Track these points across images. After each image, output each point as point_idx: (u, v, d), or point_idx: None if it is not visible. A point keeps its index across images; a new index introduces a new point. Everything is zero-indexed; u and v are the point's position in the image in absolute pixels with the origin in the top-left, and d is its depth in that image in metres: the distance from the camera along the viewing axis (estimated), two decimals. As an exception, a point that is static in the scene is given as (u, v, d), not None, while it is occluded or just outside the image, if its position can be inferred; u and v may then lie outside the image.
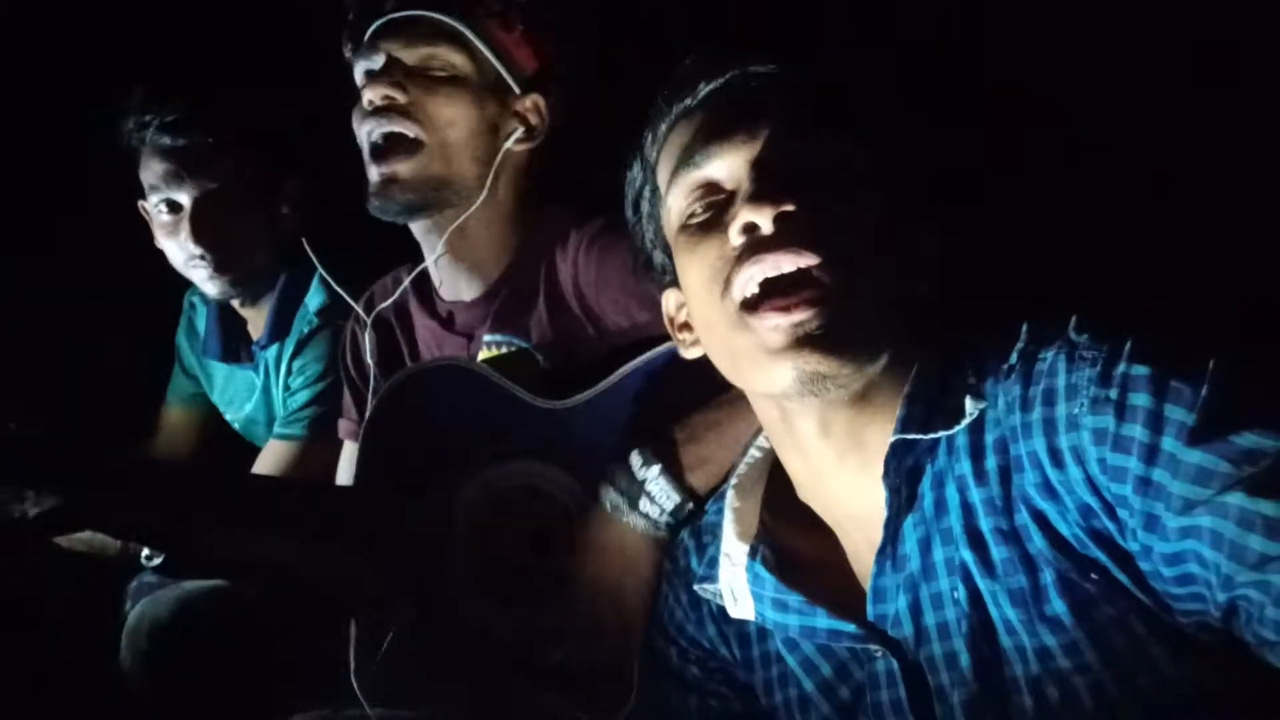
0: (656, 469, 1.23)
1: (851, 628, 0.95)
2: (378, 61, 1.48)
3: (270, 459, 1.83)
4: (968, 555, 0.88)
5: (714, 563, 1.06)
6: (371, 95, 1.45)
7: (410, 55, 1.47)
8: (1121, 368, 0.81)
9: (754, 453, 1.10)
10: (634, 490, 1.23)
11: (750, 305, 0.90)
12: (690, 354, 1.07)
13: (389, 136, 1.45)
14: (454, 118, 1.46)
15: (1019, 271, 1.44)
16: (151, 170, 1.82)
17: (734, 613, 1.04)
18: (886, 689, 0.95)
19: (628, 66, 1.72)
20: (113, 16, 2.00)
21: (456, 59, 1.47)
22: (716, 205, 0.95)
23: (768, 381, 0.91)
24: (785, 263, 0.88)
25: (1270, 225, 1.33)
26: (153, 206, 1.84)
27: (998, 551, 0.87)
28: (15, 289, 2.04)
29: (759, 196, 0.90)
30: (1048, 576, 0.84)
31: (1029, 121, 1.49)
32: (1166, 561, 0.78)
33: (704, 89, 0.99)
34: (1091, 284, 1.42)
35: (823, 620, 0.96)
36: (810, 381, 0.88)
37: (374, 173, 1.47)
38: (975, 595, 0.88)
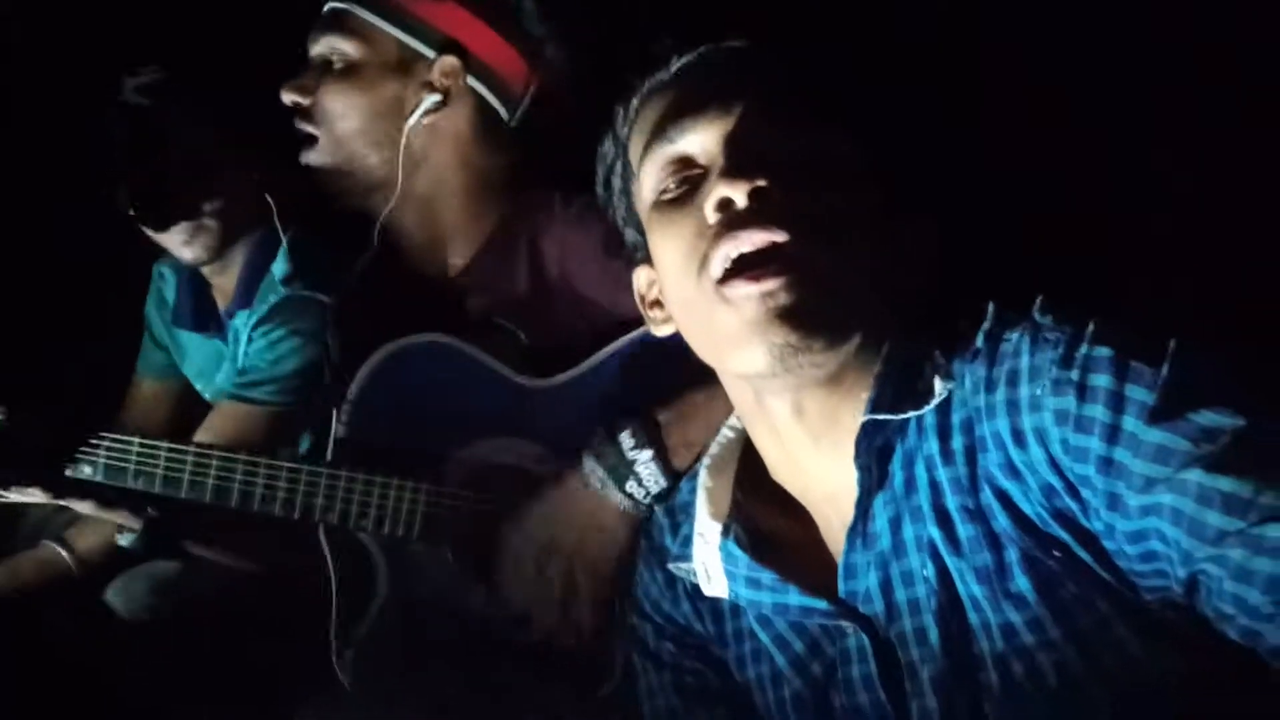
0: (649, 454, 1.24)
1: (823, 604, 0.96)
2: (309, 46, 1.51)
3: (221, 421, 1.80)
4: (935, 533, 0.90)
5: (688, 541, 1.07)
6: (284, 99, 1.49)
7: (315, 52, 1.49)
8: (1083, 349, 0.82)
9: (726, 432, 1.11)
10: (622, 470, 1.25)
11: (724, 279, 0.90)
12: (661, 332, 1.07)
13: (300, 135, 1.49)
14: (343, 110, 1.47)
15: (1011, 268, 1.45)
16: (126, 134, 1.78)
17: (708, 591, 1.05)
18: (858, 664, 0.95)
19: (616, 46, 1.71)
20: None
21: (347, 47, 1.47)
22: (690, 180, 0.94)
23: (742, 360, 0.91)
24: (759, 239, 0.88)
25: (1270, 225, 1.36)
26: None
27: (964, 529, 0.88)
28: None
29: (733, 172, 0.89)
30: (1012, 554, 0.85)
31: (1026, 116, 1.50)
32: (1129, 539, 0.79)
33: (676, 63, 0.99)
34: (1088, 282, 1.43)
35: (795, 597, 0.97)
36: (783, 357, 0.88)
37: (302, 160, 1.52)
38: (943, 572, 0.89)
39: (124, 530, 1.58)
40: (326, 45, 1.47)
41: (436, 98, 1.46)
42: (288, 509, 1.41)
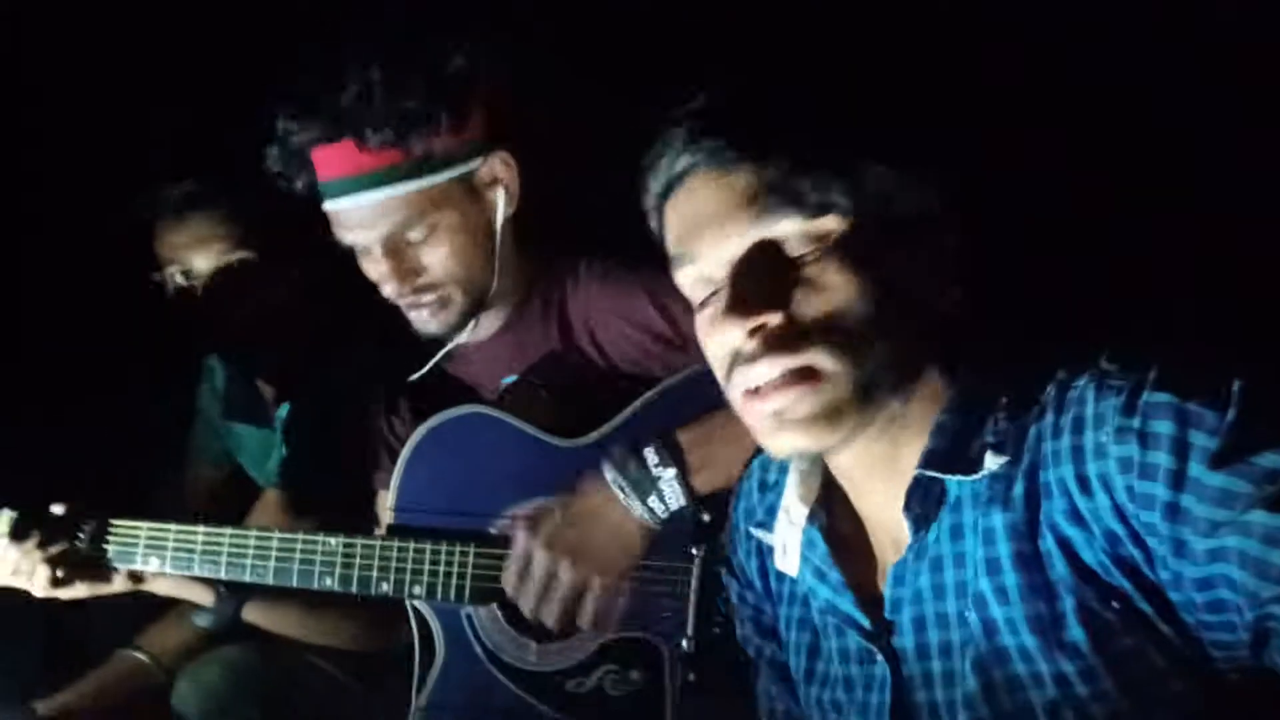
0: (673, 472, 1.32)
1: (865, 623, 0.99)
2: (350, 238, 1.47)
3: (263, 509, 1.88)
4: (983, 583, 0.91)
5: (773, 511, 1.10)
6: (388, 292, 1.48)
7: (387, 236, 1.44)
8: (1145, 396, 0.82)
9: None
10: (645, 484, 1.33)
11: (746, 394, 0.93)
12: None
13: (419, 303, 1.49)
14: (455, 259, 1.47)
15: (1046, 285, 1.47)
16: (166, 242, 1.89)
17: (780, 565, 1.08)
18: (877, 691, 0.99)
19: (620, 94, 1.75)
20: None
21: (418, 218, 1.44)
22: (714, 294, 0.96)
23: (770, 450, 0.95)
24: (763, 372, 0.90)
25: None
26: (170, 277, 1.91)
27: (1015, 577, 0.89)
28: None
29: (729, 312, 0.90)
30: (1067, 604, 0.85)
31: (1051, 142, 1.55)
32: (1197, 587, 0.79)
33: (680, 164, 0.96)
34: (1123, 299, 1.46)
35: (846, 604, 1.00)
36: (803, 454, 0.94)
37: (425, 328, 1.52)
38: (988, 623, 0.90)
39: (199, 610, 1.66)
40: (395, 228, 1.43)
41: (504, 191, 1.50)
42: (345, 584, 1.49)
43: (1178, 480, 0.79)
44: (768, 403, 0.90)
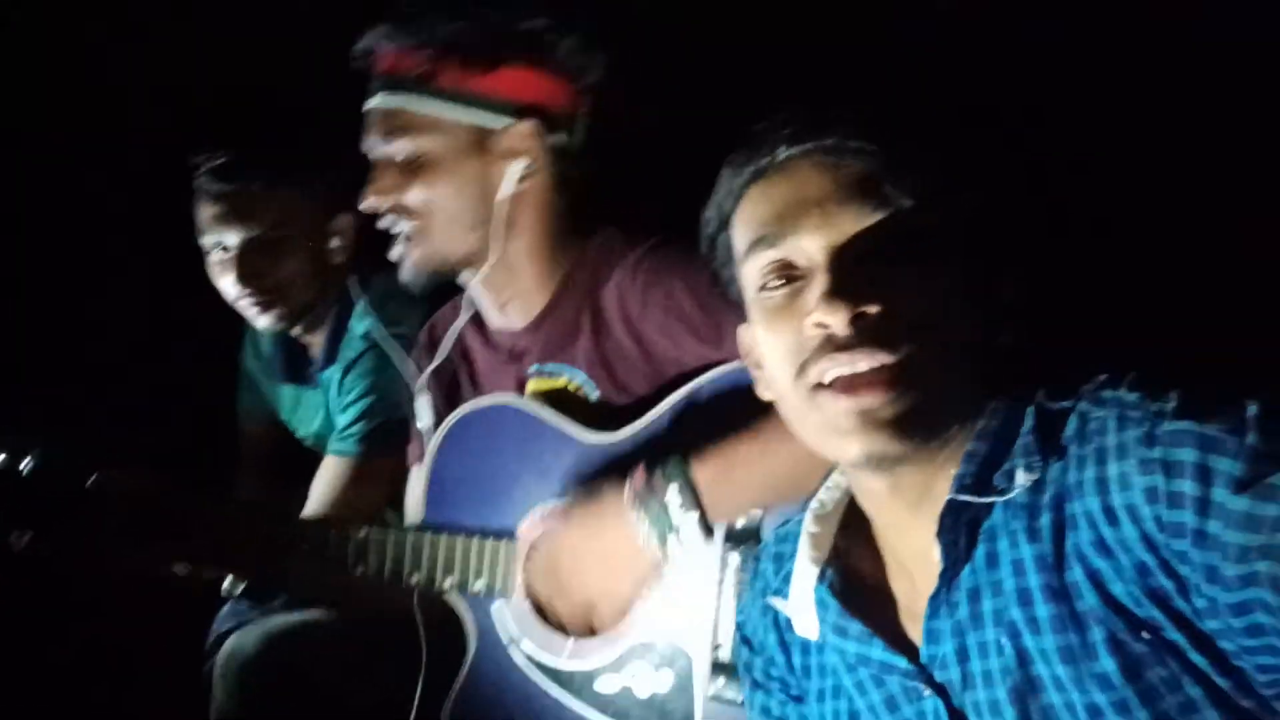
0: (694, 516, 1.30)
1: (903, 663, 0.98)
2: (365, 145, 1.50)
3: (326, 473, 1.90)
4: (1016, 612, 0.91)
5: (787, 579, 1.10)
6: (364, 203, 1.49)
7: (386, 150, 1.47)
8: (1166, 426, 0.82)
9: (837, 478, 1.11)
10: (666, 527, 1.31)
11: (823, 385, 0.91)
12: (764, 395, 1.06)
13: (396, 230, 1.50)
14: (432, 203, 1.46)
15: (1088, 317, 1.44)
16: (202, 213, 1.88)
17: (799, 630, 1.09)
18: None
19: (679, 88, 1.72)
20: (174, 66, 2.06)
21: (420, 141, 1.45)
22: (792, 281, 0.95)
23: (834, 454, 0.95)
24: (860, 362, 0.89)
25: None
26: (209, 246, 1.91)
27: (1045, 609, 0.89)
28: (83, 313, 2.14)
29: (833, 295, 0.89)
30: (1096, 634, 0.86)
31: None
32: (1233, 612, 0.79)
33: (783, 153, 0.97)
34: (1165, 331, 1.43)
35: (878, 651, 1.00)
36: (877, 461, 0.91)
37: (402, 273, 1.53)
38: (1022, 652, 0.90)
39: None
40: (392, 149, 1.47)
41: (524, 163, 1.47)
42: (379, 573, 1.49)
43: (1203, 507, 0.80)
44: (858, 399, 0.89)
